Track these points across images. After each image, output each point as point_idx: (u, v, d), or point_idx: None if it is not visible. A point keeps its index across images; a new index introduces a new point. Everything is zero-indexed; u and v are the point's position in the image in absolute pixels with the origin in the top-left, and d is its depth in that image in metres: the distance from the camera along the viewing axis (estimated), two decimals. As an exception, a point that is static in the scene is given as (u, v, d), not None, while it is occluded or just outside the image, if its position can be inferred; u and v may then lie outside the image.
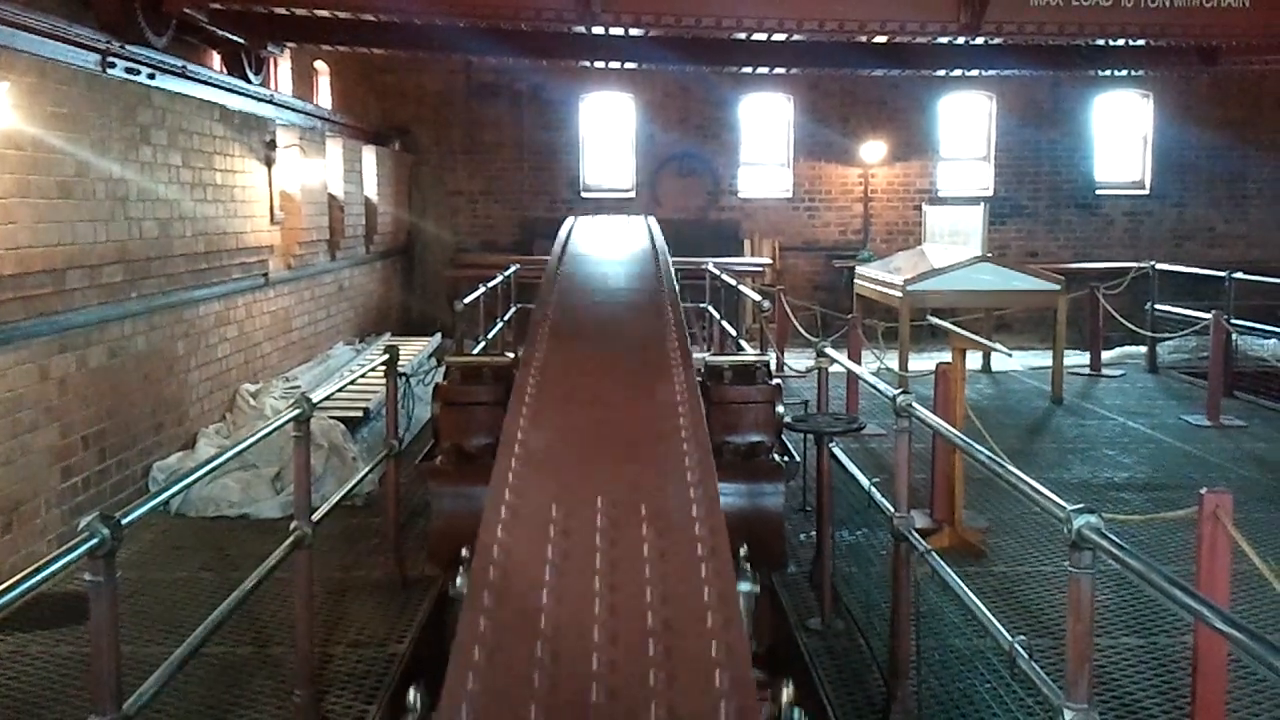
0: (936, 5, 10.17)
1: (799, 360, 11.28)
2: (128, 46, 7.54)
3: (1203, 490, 3.62)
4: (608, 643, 2.10)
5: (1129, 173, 17.52)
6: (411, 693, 1.95)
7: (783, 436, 4.75)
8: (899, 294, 10.86)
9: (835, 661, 4.85)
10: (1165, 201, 17.40)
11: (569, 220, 7.53)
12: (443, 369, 4.93)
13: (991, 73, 15.02)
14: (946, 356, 6.83)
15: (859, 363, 9.23)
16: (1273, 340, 11.21)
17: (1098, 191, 17.36)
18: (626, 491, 2.82)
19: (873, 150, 16.76)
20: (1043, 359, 12.27)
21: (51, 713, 4.39)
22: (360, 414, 8.43)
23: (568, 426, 3.34)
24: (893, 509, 4.28)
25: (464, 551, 2.76)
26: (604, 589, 2.31)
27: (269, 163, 9.49)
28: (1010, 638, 3.27)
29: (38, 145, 5.83)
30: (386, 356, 5.87)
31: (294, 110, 11.48)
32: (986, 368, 12.34)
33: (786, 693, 2.07)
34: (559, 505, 2.73)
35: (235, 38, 10.04)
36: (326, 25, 11.08)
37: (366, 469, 6.07)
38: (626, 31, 11.18)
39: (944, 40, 11.03)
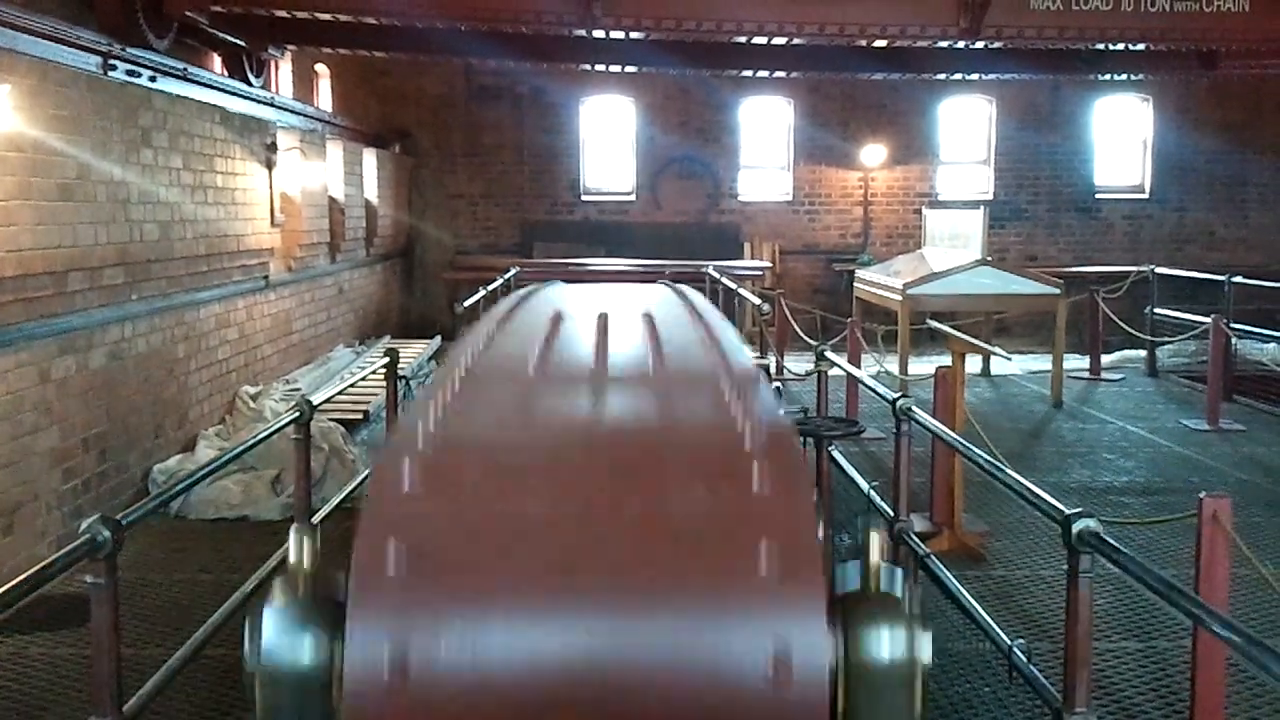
0: (936, 9, 10.16)
1: (799, 363, 11.28)
2: (129, 49, 7.54)
3: (1202, 494, 3.63)
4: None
5: (1129, 176, 17.52)
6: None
7: (782, 440, 4.74)
8: (899, 297, 10.87)
9: (834, 665, 4.84)
10: (1165, 205, 17.40)
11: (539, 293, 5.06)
12: (443, 372, 4.93)
13: (991, 76, 15.01)
14: (946, 360, 6.84)
15: (858, 366, 9.24)
16: (1272, 345, 11.21)
17: (1097, 195, 17.36)
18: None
19: (873, 154, 16.77)
20: (1042, 363, 12.28)
21: (52, 714, 4.40)
22: (360, 416, 8.44)
23: None
24: (892, 512, 4.28)
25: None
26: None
27: (269, 165, 9.50)
28: (1009, 641, 3.28)
29: (39, 147, 5.84)
30: (386, 359, 5.88)
31: (294, 113, 11.49)
32: (986, 371, 12.35)
33: (877, 541, 1.71)
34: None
35: (236, 40, 10.05)
36: (327, 28, 11.09)
37: (366, 471, 6.08)
38: (627, 35, 11.19)
39: (944, 44, 11.04)
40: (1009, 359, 8.73)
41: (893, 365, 10.59)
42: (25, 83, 5.71)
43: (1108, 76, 14.59)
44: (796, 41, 11.01)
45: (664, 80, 16.25)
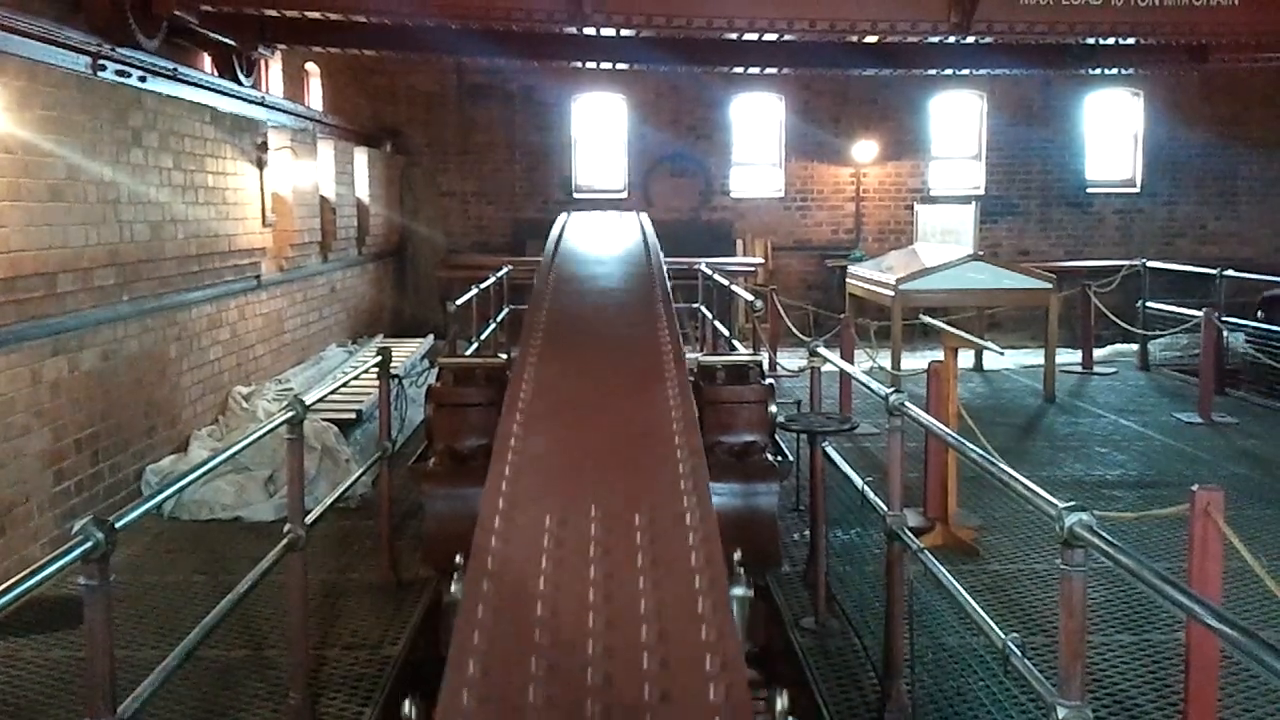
0: (927, 4, 10.18)
1: (791, 360, 11.29)
2: (118, 49, 7.52)
3: (1194, 487, 3.63)
4: (603, 656, 2.10)
5: (1120, 171, 17.56)
6: (407, 705, 1.95)
7: (776, 436, 4.76)
8: (891, 293, 10.88)
9: (829, 660, 4.86)
10: (1156, 199, 17.45)
11: (562, 216, 7.52)
12: (435, 371, 4.94)
13: (982, 72, 15.04)
14: (939, 355, 6.85)
15: (851, 362, 9.23)
16: (1240, 335, 11.19)
17: (1089, 190, 17.40)
18: (621, 501, 2.81)
19: (864, 149, 16.78)
20: (1035, 357, 12.30)
21: (46, 717, 4.39)
22: (353, 416, 8.42)
23: (562, 434, 3.34)
24: (886, 508, 4.29)
25: (458, 558, 2.74)
26: (599, 599, 2.31)
27: (260, 165, 9.47)
28: (1003, 635, 3.28)
29: (28, 148, 5.82)
30: (379, 358, 5.87)
31: (285, 112, 11.47)
32: (979, 366, 12.37)
33: (781, 702, 2.06)
34: (553, 515, 2.72)
35: (226, 40, 10.03)
36: (317, 27, 11.07)
37: (360, 471, 6.08)
38: (618, 32, 11.18)
39: (935, 39, 11.05)
40: (1001, 354, 8.72)
41: (885, 361, 10.60)
42: (15, 84, 5.69)
43: (1098, 71, 14.61)
44: (787, 38, 11.01)
45: (655, 77, 16.25)
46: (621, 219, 8.05)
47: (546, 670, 2.05)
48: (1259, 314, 11.80)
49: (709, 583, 2.39)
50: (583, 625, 2.20)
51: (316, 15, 10.25)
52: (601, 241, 6.78)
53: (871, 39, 11.11)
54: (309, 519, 4.36)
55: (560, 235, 6.63)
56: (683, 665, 2.10)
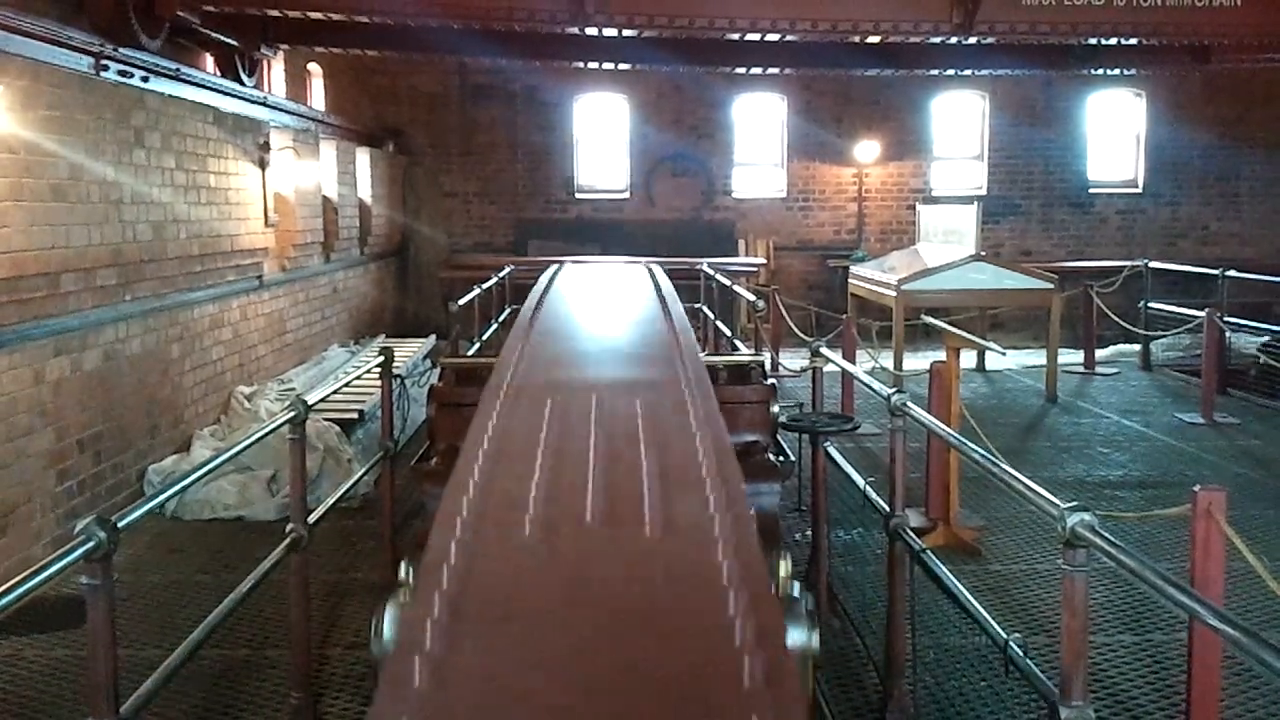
0: (929, 5, 10.18)
1: (794, 360, 11.28)
2: (121, 49, 7.53)
3: (1196, 488, 3.63)
4: (603, 488, 2.09)
5: (1122, 171, 17.55)
6: (403, 567, 1.96)
7: (778, 436, 4.76)
8: (893, 293, 10.88)
9: (831, 660, 4.86)
10: (1158, 200, 17.43)
11: (549, 270, 6.79)
12: (438, 370, 4.94)
13: (984, 72, 15.03)
14: (941, 356, 6.85)
15: (853, 362, 9.24)
16: (1265, 337, 11.21)
17: (1091, 190, 17.39)
18: (622, 390, 2.88)
19: (866, 150, 16.77)
20: (1037, 358, 12.29)
21: (48, 716, 4.39)
22: (355, 416, 8.43)
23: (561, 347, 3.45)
24: (888, 508, 4.29)
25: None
26: (599, 457, 2.31)
27: (263, 165, 9.48)
28: (1005, 635, 3.28)
29: (31, 149, 5.83)
30: (381, 358, 5.87)
31: (288, 112, 11.48)
32: (981, 367, 12.36)
33: (784, 566, 2.05)
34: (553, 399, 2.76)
35: (228, 40, 10.03)
36: (319, 27, 11.08)
37: (362, 471, 6.08)
38: (620, 32, 11.18)
39: (937, 40, 11.05)
40: (1004, 354, 8.71)
41: (887, 361, 10.60)
42: (17, 84, 5.70)
43: (1100, 71, 14.60)
44: (789, 38, 11.01)
45: (657, 78, 16.24)
46: (629, 272, 6.99)
47: (545, 493, 2.03)
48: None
49: (713, 450, 2.40)
50: (582, 471, 2.20)
51: (319, 15, 10.26)
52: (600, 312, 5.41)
53: (873, 39, 11.11)
54: (311, 519, 4.36)
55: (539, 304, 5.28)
56: (686, 492, 2.09)
